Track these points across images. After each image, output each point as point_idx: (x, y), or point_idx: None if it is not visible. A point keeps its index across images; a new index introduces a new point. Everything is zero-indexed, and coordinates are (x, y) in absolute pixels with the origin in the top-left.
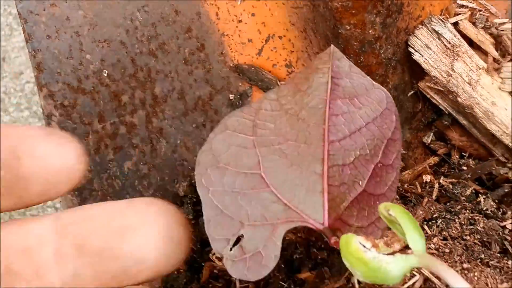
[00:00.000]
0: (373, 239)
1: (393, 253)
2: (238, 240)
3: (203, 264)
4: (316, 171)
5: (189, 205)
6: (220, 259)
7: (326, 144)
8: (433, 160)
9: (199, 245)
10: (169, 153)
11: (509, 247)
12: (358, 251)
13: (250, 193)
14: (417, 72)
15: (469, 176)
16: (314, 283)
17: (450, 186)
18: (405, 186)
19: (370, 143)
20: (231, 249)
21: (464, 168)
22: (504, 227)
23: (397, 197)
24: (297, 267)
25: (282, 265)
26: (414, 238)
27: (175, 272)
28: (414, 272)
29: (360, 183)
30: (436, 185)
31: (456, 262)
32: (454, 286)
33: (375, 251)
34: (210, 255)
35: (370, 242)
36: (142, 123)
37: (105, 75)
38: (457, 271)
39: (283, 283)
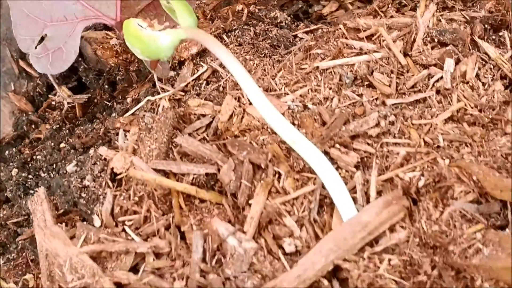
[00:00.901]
0: (150, 20)
1: (164, 29)
2: (42, 39)
3: None
4: None
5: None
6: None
7: None
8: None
9: (45, 89)
10: None
11: (296, 50)
12: (136, 30)
13: None
14: None
15: (275, 2)
16: (124, 88)
17: (257, 11)
18: (218, 14)
19: None
20: (36, 47)
21: None
22: (295, 36)
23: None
24: (119, 88)
25: (106, 86)
26: (183, 15)
27: (24, 114)
28: (202, 64)
29: None
30: (245, 11)
31: (241, 55)
32: (217, 54)
33: (150, 30)
34: (55, 97)
35: (146, 23)
36: None
37: None
38: (239, 60)
39: (107, 102)
